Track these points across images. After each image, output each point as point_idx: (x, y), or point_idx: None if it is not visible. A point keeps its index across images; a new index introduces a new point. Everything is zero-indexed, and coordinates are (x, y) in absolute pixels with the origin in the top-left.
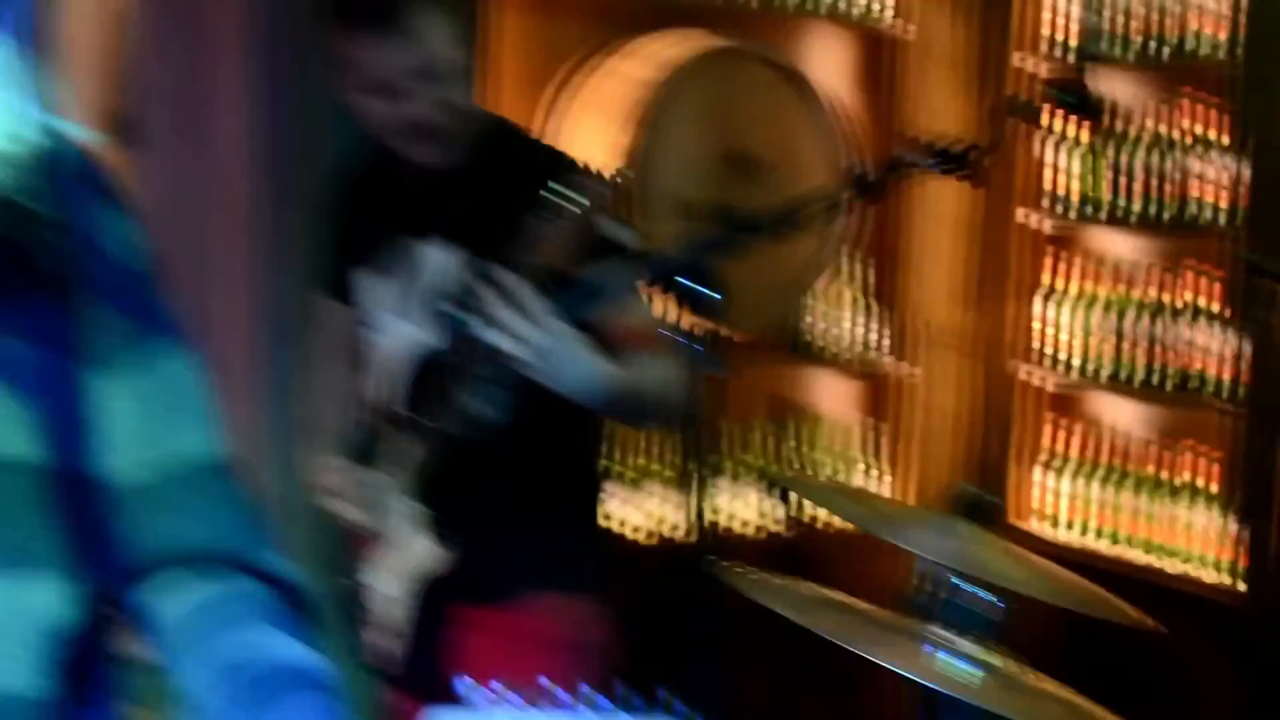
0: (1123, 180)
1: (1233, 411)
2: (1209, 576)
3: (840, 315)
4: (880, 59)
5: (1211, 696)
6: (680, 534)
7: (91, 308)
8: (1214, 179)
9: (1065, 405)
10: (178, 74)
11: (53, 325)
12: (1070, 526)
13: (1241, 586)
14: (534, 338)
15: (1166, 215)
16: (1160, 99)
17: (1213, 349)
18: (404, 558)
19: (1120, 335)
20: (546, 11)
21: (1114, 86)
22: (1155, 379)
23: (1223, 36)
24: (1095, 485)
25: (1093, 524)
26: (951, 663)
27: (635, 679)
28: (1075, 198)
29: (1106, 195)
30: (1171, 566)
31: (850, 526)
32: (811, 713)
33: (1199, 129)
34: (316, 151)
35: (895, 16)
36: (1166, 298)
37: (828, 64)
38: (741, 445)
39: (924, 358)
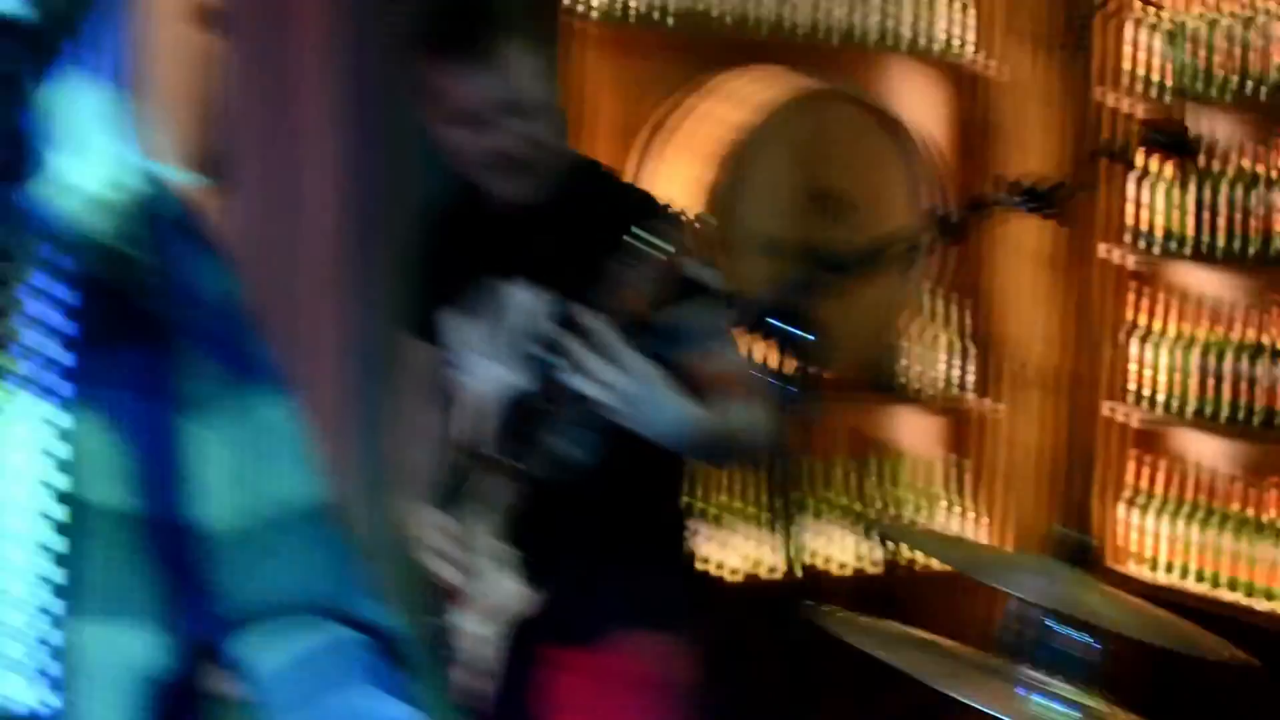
0: (1207, 215)
1: None
2: None
3: (926, 352)
4: (964, 95)
5: None
6: (768, 572)
7: (189, 354)
8: None
9: (1150, 442)
10: (264, 113)
11: (151, 372)
12: (1155, 564)
13: None
14: (620, 384)
15: (1252, 250)
16: (1249, 135)
17: None
18: (493, 599)
19: (1206, 371)
20: (636, 52)
21: (1202, 123)
22: (1241, 415)
23: None
24: (1181, 523)
25: (1179, 561)
26: (1046, 705)
27: (723, 718)
28: (1159, 233)
29: (1191, 230)
30: (1259, 604)
31: (940, 566)
32: None
33: None
34: (404, 190)
35: (978, 52)
36: (1253, 334)
37: (913, 101)
38: (826, 483)
39: (1008, 394)
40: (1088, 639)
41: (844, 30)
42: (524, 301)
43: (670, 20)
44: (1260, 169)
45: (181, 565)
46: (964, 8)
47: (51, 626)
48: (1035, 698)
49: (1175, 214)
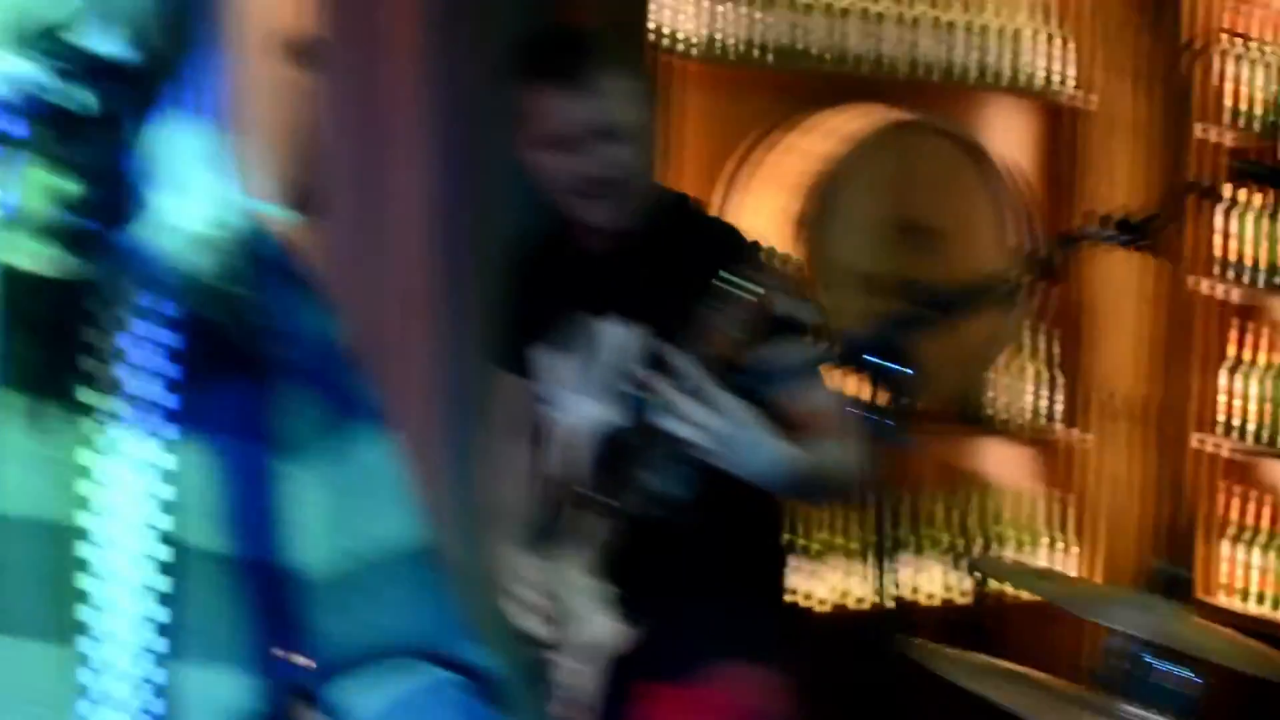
0: None
1: None
2: None
3: (1015, 384)
4: (1060, 130)
5: None
6: (857, 604)
7: (288, 394)
8: None
9: (1240, 473)
10: (355, 148)
11: (250, 412)
12: (1247, 595)
13: None
14: (712, 425)
15: None
16: None
17: None
18: (589, 636)
19: None
20: (728, 89)
21: None
22: None
23: None
24: (1273, 554)
25: (1271, 593)
26: None
27: None
28: (1249, 264)
29: None
30: None
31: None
32: None
33: None
34: (495, 223)
35: (1077, 87)
36: None
37: (1007, 135)
38: (917, 515)
39: (1098, 426)
40: (1186, 672)
41: (942, 67)
42: (616, 337)
43: (769, 57)
44: None
45: (279, 609)
46: (1062, 42)
47: (155, 666)
48: None
49: (1265, 245)
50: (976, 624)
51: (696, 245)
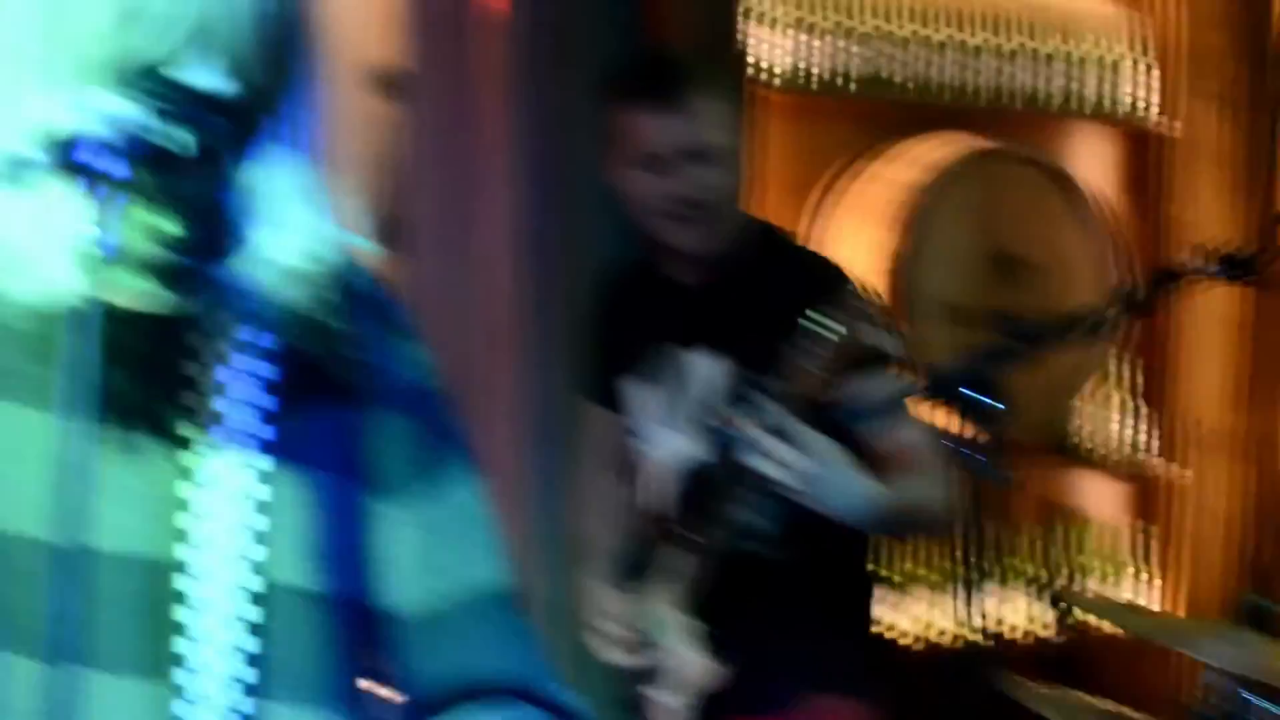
0: None
1: None
2: None
3: (1108, 417)
4: (1146, 158)
5: None
6: (949, 639)
7: (383, 430)
8: None
9: None
10: (442, 179)
11: (344, 447)
12: None
13: None
14: (799, 464)
15: None
16: None
17: None
18: (680, 671)
19: None
20: (812, 118)
21: None
22: None
23: None
24: None
25: None
26: None
27: None
28: None
29: None
30: None
31: (1120, 632)
32: None
33: None
34: (583, 254)
35: (1161, 114)
36: None
37: (1092, 163)
38: (1008, 549)
39: (1191, 458)
40: None
41: (1026, 94)
42: (704, 370)
43: (853, 86)
44: None
45: (369, 646)
46: (1148, 69)
47: (244, 697)
48: None
49: None
50: (1063, 658)
51: (787, 276)
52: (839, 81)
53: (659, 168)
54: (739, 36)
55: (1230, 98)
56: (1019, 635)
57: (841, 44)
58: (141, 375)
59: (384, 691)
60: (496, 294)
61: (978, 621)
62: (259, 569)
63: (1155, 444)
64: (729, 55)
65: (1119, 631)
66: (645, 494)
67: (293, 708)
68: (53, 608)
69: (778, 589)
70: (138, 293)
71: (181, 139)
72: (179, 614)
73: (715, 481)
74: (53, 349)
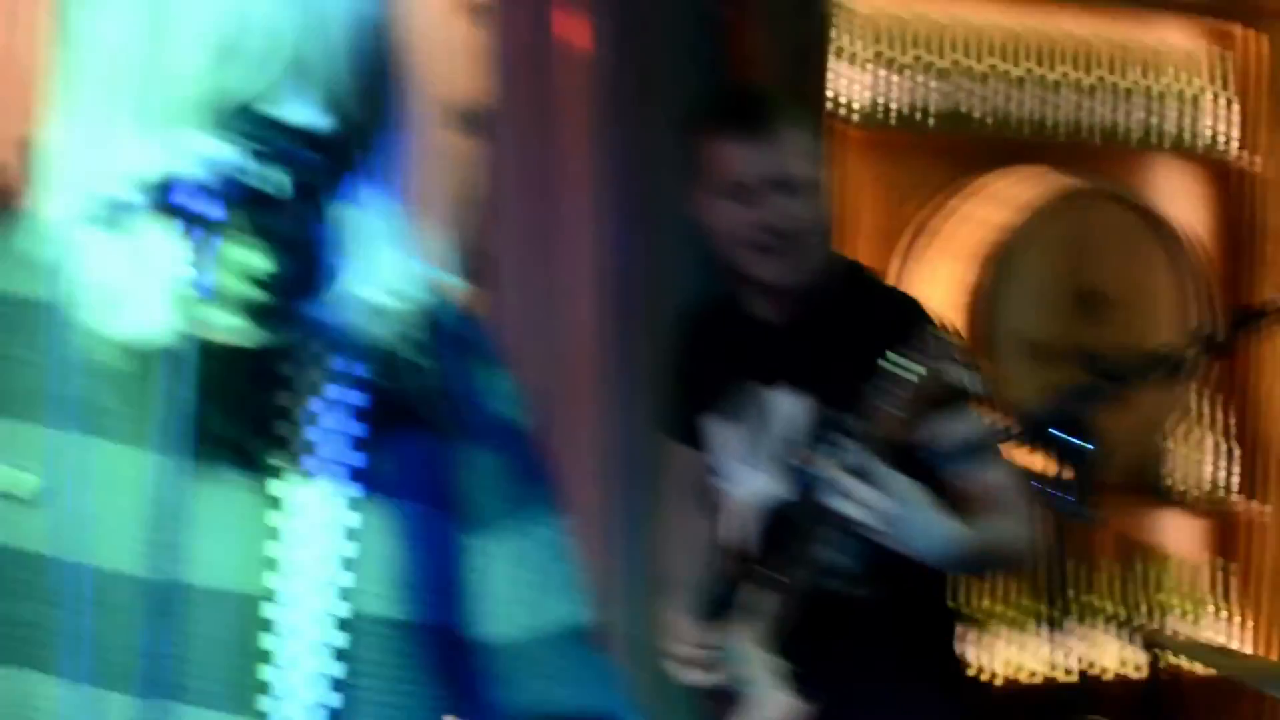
0: None
1: None
2: None
3: (1190, 454)
4: (1228, 193)
5: None
6: (1030, 677)
7: (474, 464)
8: None
9: None
10: (525, 215)
11: (433, 481)
12: None
13: None
14: (881, 505)
15: None
16: None
17: None
18: (763, 709)
19: None
20: (897, 155)
21: None
22: None
23: None
24: None
25: None
26: None
27: None
28: None
29: None
30: None
31: (1207, 672)
32: None
33: None
34: (665, 290)
35: (1242, 148)
36: None
37: (1176, 198)
38: (1092, 587)
39: (1276, 496)
40: None
41: (1106, 128)
42: (787, 408)
43: (931, 121)
44: None
45: (456, 676)
46: (1228, 103)
47: None
48: None
49: None
50: (1154, 700)
51: (869, 314)
52: (918, 117)
53: (745, 197)
54: (822, 72)
55: None
56: (1105, 675)
57: (921, 79)
58: (233, 409)
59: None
60: (579, 329)
61: (1063, 660)
62: (347, 597)
63: (1236, 481)
64: (814, 91)
65: (1209, 673)
66: (727, 531)
67: None
68: (146, 643)
69: (861, 627)
70: (229, 329)
71: (277, 179)
72: (267, 643)
73: (797, 520)
74: (148, 387)
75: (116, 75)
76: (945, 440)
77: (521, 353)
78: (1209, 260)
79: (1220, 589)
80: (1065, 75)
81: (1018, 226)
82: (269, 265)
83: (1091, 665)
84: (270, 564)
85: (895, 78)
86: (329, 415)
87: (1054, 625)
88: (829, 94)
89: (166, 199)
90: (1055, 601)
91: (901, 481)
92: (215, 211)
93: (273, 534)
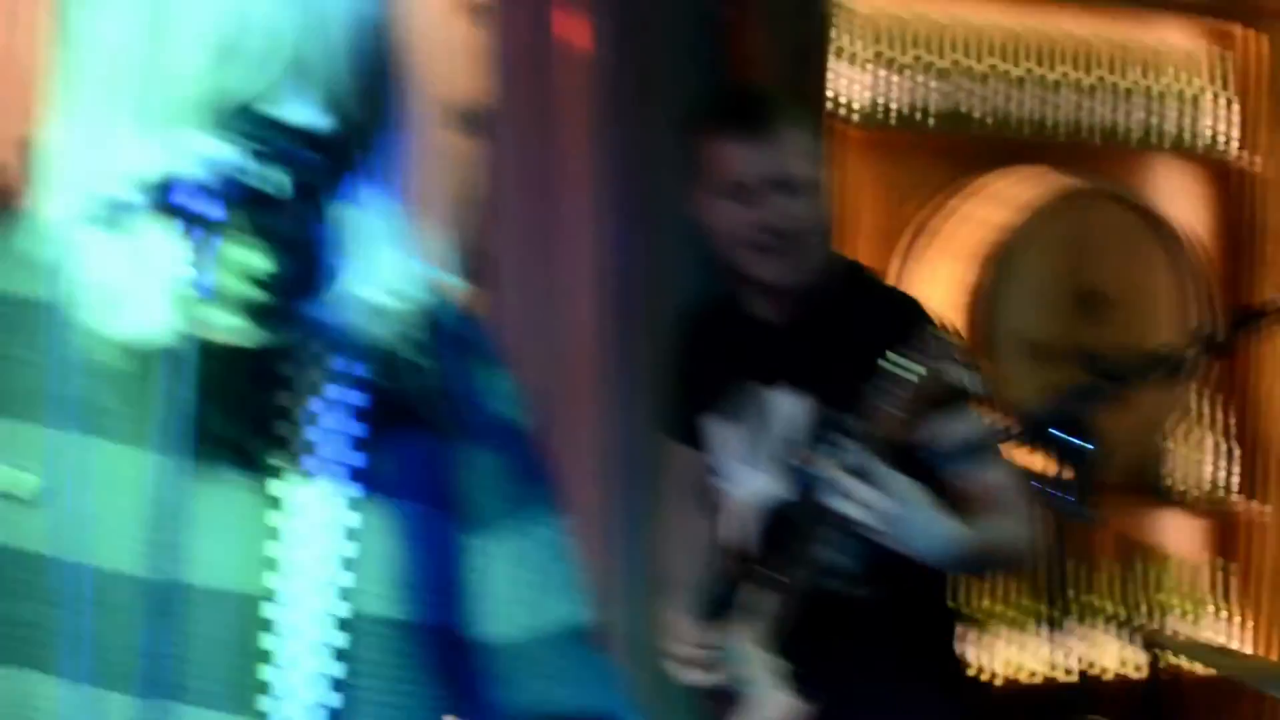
0: None
1: None
2: None
3: (1188, 454)
4: (1228, 193)
5: None
6: (1029, 677)
7: (470, 465)
8: None
9: None
10: (524, 215)
11: (432, 481)
12: None
13: None
14: (880, 504)
15: None
16: None
17: None
18: (762, 709)
19: None
20: (897, 155)
21: None
22: None
23: None
24: None
25: None
26: None
27: None
28: None
29: None
30: None
31: (1206, 672)
32: None
33: None
34: (665, 290)
35: (1242, 148)
36: None
37: (1176, 198)
38: (1090, 587)
39: (1275, 496)
40: None
41: (1106, 128)
42: (787, 408)
43: (931, 121)
44: None
45: (456, 676)
46: (1228, 103)
47: None
48: None
49: None
50: (1154, 700)
51: (869, 314)
52: (918, 117)
53: (745, 197)
54: (822, 72)
55: None
56: (1105, 675)
57: (921, 79)
58: (233, 409)
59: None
60: (579, 329)
61: (1064, 660)
62: (347, 596)
63: (1236, 481)
64: (814, 92)
65: (1209, 673)
66: (727, 531)
67: None
68: (146, 643)
69: (861, 627)
70: (229, 328)
71: (277, 179)
72: (267, 642)
73: (797, 520)
74: (147, 387)
75: (116, 75)
76: (945, 440)
77: (521, 353)
78: (1209, 260)
79: (1220, 589)
80: (1065, 75)
81: (1017, 226)
82: (269, 265)
83: (1091, 665)
84: (270, 564)
85: (895, 78)
86: (329, 415)
87: (1054, 625)
88: (829, 94)
89: (166, 199)
90: (1056, 601)
91: (901, 481)
92: (215, 211)
93: (273, 534)
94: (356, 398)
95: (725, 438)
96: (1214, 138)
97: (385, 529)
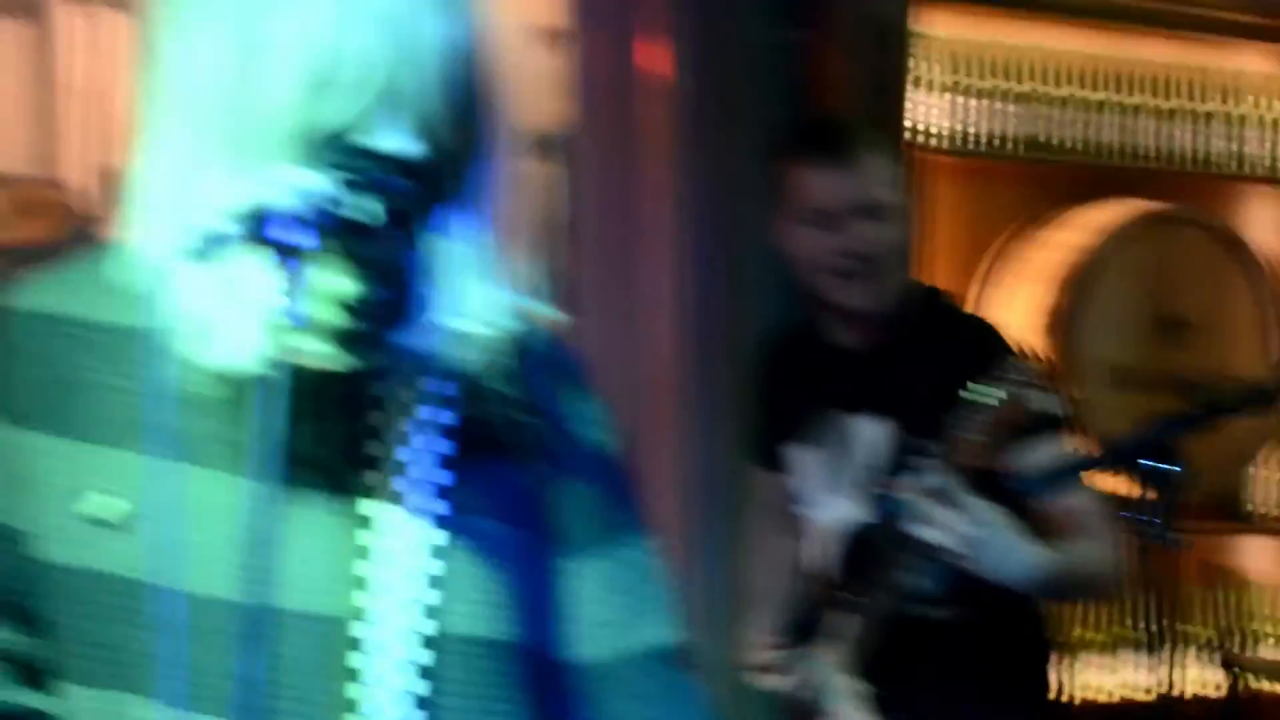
0: None
1: None
2: None
3: (1272, 476)
4: None
5: None
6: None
7: (560, 489)
8: None
9: None
10: (605, 241)
11: (524, 506)
12: None
13: None
14: (962, 530)
15: None
16: None
17: None
18: None
19: None
20: (983, 183)
21: None
22: None
23: None
24: None
25: None
26: None
27: None
28: None
29: None
30: None
31: None
32: None
33: None
34: (747, 316)
35: None
36: None
37: (1256, 223)
38: (1179, 612)
39: None
40: None
41: (1187, 155)
42: (869, 435)
43: (1010, 147)
44: None
45: (544, 696)
46: None
47: None
48: None
49: None
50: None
51: (952, 341)
52: (998, 143)
53: (827, 223)
54: (901, 99)
55: None
56: (1190, 698)
57: (1000, 106)
58: (324, 433)
59: None
60: (660, 355)
61: (1155, 685)
62: (433, 615)
63: None
64: (894, 119)
65: None
66: (810, 557)
67: None
68: (239, 667)
69: (945, 652)
70: (321, 355)
71: (371, 208)
72: (354, 661)
73: (879, 545)
74: (240, 414)
75: (209, 105)
76: (1028, 466)
77: (604, 378)
78: None
79: None
80: (1145, 101)
81: (1096, 250)
82: (361, 292)
83: (1179, 689)
84: (359, 583)
85: (975, 104)
86: (418, 436)
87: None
88: (908, 121)
89: (260, 231)
90: (1146, 626)
91: (983, 506)
92: (309, 242)
93: (362, 553)
94: (445, 419)
95: (807, 464)
96: None
97: (472, 548)
